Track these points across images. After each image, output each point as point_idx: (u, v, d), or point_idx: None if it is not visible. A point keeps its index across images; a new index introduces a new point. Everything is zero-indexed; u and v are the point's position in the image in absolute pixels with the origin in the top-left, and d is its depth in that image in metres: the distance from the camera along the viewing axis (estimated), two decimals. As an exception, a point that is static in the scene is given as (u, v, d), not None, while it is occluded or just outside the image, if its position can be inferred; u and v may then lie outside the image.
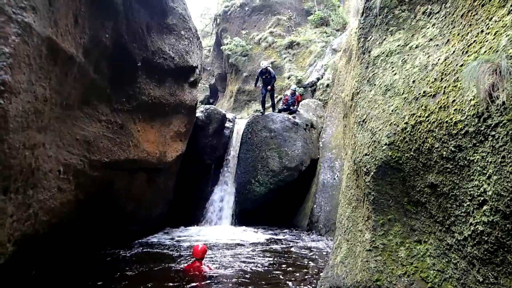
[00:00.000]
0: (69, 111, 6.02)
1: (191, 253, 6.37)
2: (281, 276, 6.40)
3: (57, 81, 5.22)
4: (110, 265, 6.64)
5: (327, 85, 16.33)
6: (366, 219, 4.46)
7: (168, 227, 10.79)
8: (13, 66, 3.90)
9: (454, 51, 3.49)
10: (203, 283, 5.89)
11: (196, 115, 12.03)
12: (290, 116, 13.41)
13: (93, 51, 6.33)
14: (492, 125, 2.57)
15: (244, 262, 7.23)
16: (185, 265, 6.52)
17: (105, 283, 5.70)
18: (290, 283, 6.03)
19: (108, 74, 7.05)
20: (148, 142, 8.82)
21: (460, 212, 2.91)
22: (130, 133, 8.07)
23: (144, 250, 7.96)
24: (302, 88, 17.94)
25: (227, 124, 13.43)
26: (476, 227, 2.68)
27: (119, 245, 8.07)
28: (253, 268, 6.85)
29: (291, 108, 14.16)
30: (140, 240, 9.00)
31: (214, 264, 6.83)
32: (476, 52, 3.07)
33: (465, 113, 2.86)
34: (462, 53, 3.31)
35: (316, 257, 7.93)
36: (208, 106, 13.45)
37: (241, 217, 12.09)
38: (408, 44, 4.69)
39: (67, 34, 5.25)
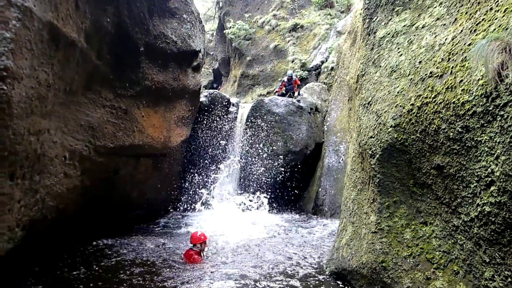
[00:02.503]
0: (73, 97, 6.00)
1: (199, 235, 6.18)
2: (286, 261, 6.45)
3: (60, 67, 5.19)
4: (110, 253, 6.68)
5: (332, 68, 16.15)
6: (372, 201, 4.45)
7: (173, 212, 10.87)
8: (14, 51, 3.87)
9: (462, 30, 3.42)
10: (201, 270, 5.68)
11: (200, 100, 11.98)
12: (294, 100, 13.34)
13: (95, 36, 6.27)
14: (501, 105, 2.52)
15: (249, 245, 7.29)
16: (184, 252, 6.34)
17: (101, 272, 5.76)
18: (296, 268, 6.08)
19: (110, 60, 6.99)
20: (153, 127, 8.81)
21: (467, 193, 2.89)
22: (134, 119, 8.06)
23: (146, 235, 8.03)
24: (306, 72, 17.77)
25: (231, 109, 13.37)
26: (483, 208, 2.66)
27: (124, 230, 8.14)
28: (257, 251, 6.91)
29: (290, 93, 14.25)
30: (144, 225, 9.09)
31: (216, 248, 6.76)
32: (485, 30, 3.00)
33: (473, 93, 2.81)
34: (470, 32, 3.24)
35: (320, 240, 7.98)
36: (212, 90, 13.38)
37: (247, 201, 12.14)
38: (415, 24, 4.60)
39: (68, 18, 5.19)
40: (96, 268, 5.67)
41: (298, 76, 17.48)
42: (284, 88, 14.66)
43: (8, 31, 3.78)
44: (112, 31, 6.81)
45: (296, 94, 14.23)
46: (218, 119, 12.74)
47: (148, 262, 6.02)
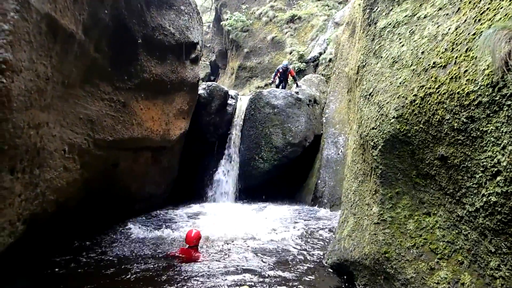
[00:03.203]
0: (71, 90, 5.95)
1: (193, 234, 6.01)
2: (286, 252, 6.47)
3: (58, 59, 5.13)
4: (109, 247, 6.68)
5: (330, 60, 16.12)
6: (374, 192, 4.46)
7: (172, 205, 10.87)
8: (13, 43, 3.81)
9: (465, 20, 3.39)
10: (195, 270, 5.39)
11: (198, 92, 11.92)
12: (293, 92, 13.31)
13: (93, 29, 6.19)
14: (508, 95, 2.51)
15: (248, 237, 7.31)
16: (174, 251, 6.12)
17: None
18: (296, 258, 6.10)
19: (108, 52, 6.92)
20: (151, 120, 8.77)
21: (471, 183, 2.89)
22: (133, 111, 8.01)
23: (146, 228, 8.03)
24: (304, 63, 17.72)
25: (230, 101, 13.32)
26: (489, 198, 2.66)
27: (124, 223, 8.14)
28: (255, 246, 6.93)
29: (282, 84, 14.37)
30: (144, 217, 9.09)
31: (213, 247, 6.60)
32: (489, 20, 2.97)
33: (478, 83, 2.80)
34: (475, 21, 3.21)
35: (321, 231, 8.01)
36: (210, 83, 13.32)
37: (245, 193, 12.18)
38: (416, 14, 4.56)
39: (66, 10, 5.11)
40: (96, 262, 5.67)
41: (296, 68, 17.46)
42: (277, 79, 14.70)
43: (6, 23, 3.72)
44: (110, 23, 6.73)
45: (294, 86, 14.22)
46: (216, 111, 12.70)
47: (148, 257, 6.01)
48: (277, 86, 14.87)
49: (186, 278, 5.00)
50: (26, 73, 4.17)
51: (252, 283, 4.81)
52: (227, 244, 6.82)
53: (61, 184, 5.81)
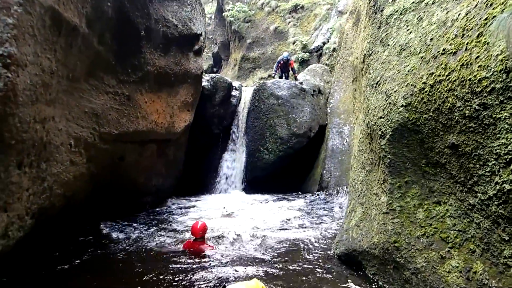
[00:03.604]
0: (76, 84, 5.93)
1: (199, 226, 5.90)
2: (294, 242, 6.47)
3: (62, 53, 5.10)
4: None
5: (334, 49, 15.97)
6: (382, 182, 4.42)
7: (178, 197, 10.91)
8: (18, 37, 3.79)
9: (476, 5, 3.31)
10: (204, 263, 5.34)
11: (202, 84, 11.87)
12: (297, 82, 13.23)
13: (96, 21, 6.15)
14: (522, 80, 2.46)
15: (254, 228, 7.32)
16: (183, 244, 6.05)
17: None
18: (304, 248, 6.11)
19: (112, 45, 6.88)
20: (156, 113, 8.75)
21: (484, 171, 2.85)
22: (137, 104, 7.99)
23: (153, 222, 8.06)
24: (307, 53, 17.59)
25: (234, 93, 13.27)
26: (503, 186, 2.63)
27: (132, 216, 8.18)
28: (263, 239, 6.94)
29: (284, 75, 14.30)
30: (151, 211, 9.13)
31: (221, 239, 6.61)
32: (502, 3, 2.90)
33: (491, 69, 2.74)
34: (486, 6, 3.14)
35: (329, 221, 8.01)
36: (213, 74, 13.25)
37: (251, 185, 12.19)
38: (424, 0, 4.48)
39: (69, 3, 5.07)
40: (105, 257, 5.70)
41: (299, 58, 17.35)
42: (279, 71, 14.64)
43: (10, 16, 3.69)
44: (113, 15, 6.68)
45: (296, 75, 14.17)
46: (220, 103, 12.66)
47: (154, 251, 6.02)
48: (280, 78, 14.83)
49: (193, 270, 5.00)
50: (31, 67, 4.16)
51: (261, 275, 4.81)
52: (235, 235, 6.83)
53: (68, 178, 5.82)
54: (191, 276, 4.76)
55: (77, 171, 6.14)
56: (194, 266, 5.16)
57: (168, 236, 6.78)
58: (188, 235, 6.72)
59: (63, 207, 5.82)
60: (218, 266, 5.18)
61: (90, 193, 6.69)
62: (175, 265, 5.21)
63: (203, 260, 5.46)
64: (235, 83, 13.87)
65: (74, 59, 5.57)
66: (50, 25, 4.53)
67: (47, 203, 5.25)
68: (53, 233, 5.99)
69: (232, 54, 23.31)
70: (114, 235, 6.81)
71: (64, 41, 5.09)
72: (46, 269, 5.00)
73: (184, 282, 4.56)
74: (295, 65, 16.29)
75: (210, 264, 5.28)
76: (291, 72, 14.85)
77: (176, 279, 4.68)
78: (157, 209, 9.43)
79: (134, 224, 7.61)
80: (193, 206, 9.92)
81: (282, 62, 14.48)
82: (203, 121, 12.05)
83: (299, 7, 20.02)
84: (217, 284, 4.45)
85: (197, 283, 4.55)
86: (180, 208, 9.69)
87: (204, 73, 13.18)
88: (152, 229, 7.24)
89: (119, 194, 7.93)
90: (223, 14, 22.58)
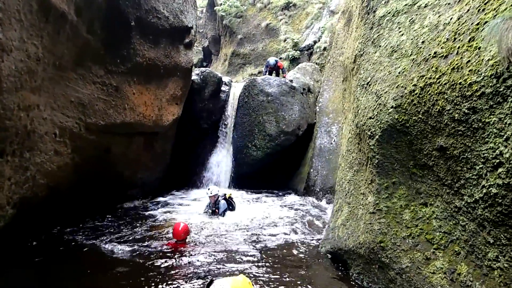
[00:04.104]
0: (63, 72, 5.79)
1: (181, 228, 5.83)
2: (280, 240, 6.47)
3: (50, 40, 4.98)
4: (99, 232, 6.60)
5: (324, 48, 15.99)
6: (369, 182, 4.44)
7: (165, 191, 10.79)
8: (3, 21, 3.67)
9: (468, 10, 3.34)
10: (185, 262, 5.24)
11: (192, 78, 11.76)
12: (287, 80, 13.21)
13: (85, 9, 6.01)
14: (513, 86, 2.48)
15: (241, 225, 7.31)
16: (166, 243, 5.97)
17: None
18: (290, 246, 6.11)
19: (101, 34, 6.75)
20: (144, 105, 8.63)
21: (471, 174, 2.88)
22: (125, 96, 7.87)
23: (138, 215, 7.98)
24: (298, 51, 17.58)
25: (223, 88, 13.17)
26: (489, 189, 2.65)
27: (116, 209, 8.08)
28: (245, 237, 6.92)
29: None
30: (137, 204, 9.03)
31: (207, 235, 6.51)
32: (494, 9, 2.92)
33: (481, 74, 2.76)
34: (478, 11, 3.16)
35: (314, 219, 8.04)
36: (204, 69, 13.12)
37: (238, 181, 12.15)
38: (417, 3, 4.49)
39: (57, -11, 4.95)
40: (77, 250, 5.60)
41: (290, 56, 17.34)
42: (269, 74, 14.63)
43: (-4, -1, 3.58)
44: (102, 4, 6.55)
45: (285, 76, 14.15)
46: (209, 97, 12.56)
47: (139, 244, 5.95)
48: None
49: (179, 267, 4.96)
50: (16, 53, 4.04)
51: (249, 272, 4.79)
52: (222, 231, 6.80)
53: (52, 168, 5.71)
54: (176, 272, 4.72)
55: (62, 161, 6.02)
56: (180, 263, 5.11)
57: (150, 230, 6.69)
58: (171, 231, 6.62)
59: (46, 197, 5.71)
60: (205, 263, 5.14)
61: (74, 184, 6.56)
62: (157, 263, 5.12)
63: (191, 256, 5.40)
64: (225, 78, 13.77)
65: (61, 46, 5.45)
66: (37, 10, 4.41)
67: (30, 193, 5.14)
68: (35, 223, 5.86)
69: (222, 49, 23.15)
70: (97, 225, 6.72)
71: (52, 28, 4.97)
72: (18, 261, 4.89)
73: (167, 278, 4.52)
74: (285, 63, 16.25)
75: (198, 260, 5.23)
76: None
77: (158, 277, 4.64)
78: (143, 202, 9.32)
79: (119, 217, 7.52)
80: (180, 201, 9.85)
81: (269, 67, 14.49)
82: (191, 115, 11.93)
83: (291, 4, 19.95)
84: (205, 279, 4.43)
85: (184, 277, 4.51)
86: (166, 202, 9.59)
87: (194, 67, 13.06)
88: (135, 222, 7.15)
89: (105, 186, 7.80)
90: (215, 8, 22.39)
